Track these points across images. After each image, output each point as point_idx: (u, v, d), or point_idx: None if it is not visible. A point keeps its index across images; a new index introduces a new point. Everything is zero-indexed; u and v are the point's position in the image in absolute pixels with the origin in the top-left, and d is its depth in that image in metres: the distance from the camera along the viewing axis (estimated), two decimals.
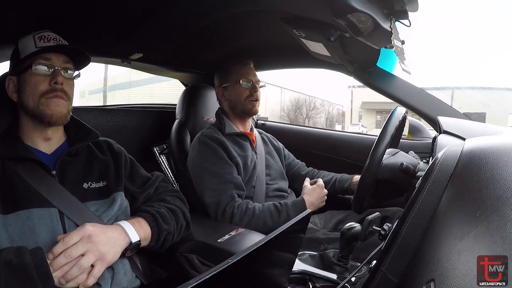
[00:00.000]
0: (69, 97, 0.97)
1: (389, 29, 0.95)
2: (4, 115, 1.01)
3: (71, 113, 0.99)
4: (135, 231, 0.88)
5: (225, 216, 1.33)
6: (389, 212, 1.30)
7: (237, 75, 1.53)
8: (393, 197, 1.31)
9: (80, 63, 1.02)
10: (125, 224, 0.88)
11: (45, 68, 0.93)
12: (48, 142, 0.98)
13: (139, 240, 0.89)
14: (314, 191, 1.43)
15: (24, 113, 0.96)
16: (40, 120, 0.93)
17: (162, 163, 1.73)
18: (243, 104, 1.52)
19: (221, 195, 1.35)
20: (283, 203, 1.37)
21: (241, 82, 1.52)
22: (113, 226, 0.87)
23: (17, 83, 0.96)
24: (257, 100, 1.53)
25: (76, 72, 1.01)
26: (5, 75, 1.00)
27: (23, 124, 0.97)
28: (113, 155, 1.07)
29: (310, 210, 0.70)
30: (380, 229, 0.72)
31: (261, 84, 1.57)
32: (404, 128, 1.41)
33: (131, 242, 0.87)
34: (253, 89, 1.52)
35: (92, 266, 0.79)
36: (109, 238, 0.83)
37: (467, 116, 1.49)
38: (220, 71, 1.61)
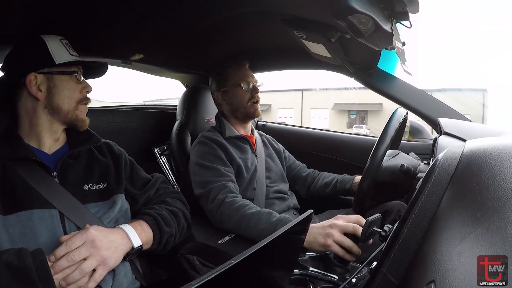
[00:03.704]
0: None
1: (390, 31, 0.95)
2: (3, 115, 1.01)
3: None
4: (137, 235, 0.89)
5: (215, 203, 1.25)
6: (388, 206, 1.30)
7: (236, 78, 1.52)
8: (394, 199, 1.31)
9: (86, 77, 1.07)
10: (128, 228, 0.89)
11: (78, 75, 0.99)
12: (55, 142, 0.99)
13: (141, 245, 0.89)
14: (320, 228, 1.04)
15: (48, 113, 0.96)
16: (69, 123, 0.98)
17: (163, 164, 1.73)
18: (246, 108, 1.51)
19: (214, 183, 1.30)
20: (281, 218, 1.15)
21: (242, 85, 1.50)
22: (115, 230, 0.87)
23: (47, 83, 0.95)
24: (258, 101, 1.53)
25: None
26: (10, 75, 0.99)
27: (35, 124, 0.96)
28: (114, 157, 1.07)
29: (312, 211, 0.70)
30: (380, 230, 0.72)
31: (258, 83, 1.55)
32: (405, 130, 1.41)
33: (133, 247, 0.87)
34: (254, 90, 1.51)
35: (94, 270, 0.80)
36: (112, 242, 0.83)
37: None
38: (215, 75, 1.58)
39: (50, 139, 0.98)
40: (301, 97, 24.46)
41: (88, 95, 1.02)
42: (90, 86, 1.02)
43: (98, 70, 1.10)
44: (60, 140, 1.00)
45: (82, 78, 1.01)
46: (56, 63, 0.95)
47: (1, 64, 1.00)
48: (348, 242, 0.96)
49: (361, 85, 1.69)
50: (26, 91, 0.94)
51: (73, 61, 0.97)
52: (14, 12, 1.06)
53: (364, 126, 21.20)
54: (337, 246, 0.97)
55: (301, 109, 24.37)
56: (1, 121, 1.00)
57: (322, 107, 24.36)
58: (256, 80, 1.55)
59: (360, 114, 23.56)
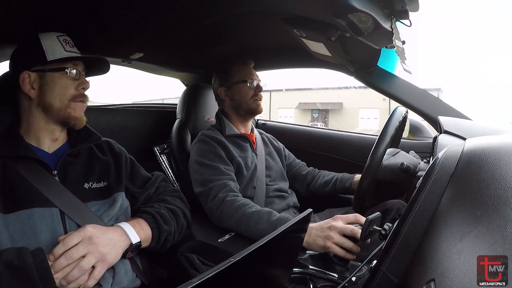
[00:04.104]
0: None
1: (390, 29, 0.95)
2: (4, 113, 1.01)
3: None
4: (135, 232, 0.89)
5: (215, 202, 1.26)
6: (388, 204, 1.30)
7: (241, 74, 1.53)
8: (393, 197, 1.31)
9: (90, 73, 1.06)
10: (126, 226, 0.89)
11: (74, 72, 0.97)
12: (54, 142, 0.99)
13: (140, 241, 0.89)
14: (319, 230, 1.03)
15: (41, 111, 0.95)
16: (62, 122, 0.96)
17: (163, 163, 1.73)
18: (249, 104, 1.52)
19: (214, 182, 1.31)
20: (281, 217, 1.14)
21: (247, 81, 1.52)
22: (113, 228, 0.87)
23: (39, 81, 0.95)
24: (261, 99, 1.54)
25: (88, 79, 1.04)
26: (7, 73, 1.00)
27: (32, 122, 0.96)
28: (114, 155, 1.07)
29: (311, 210, 0.70)
30: (380, 228, 0.72)
31: (262, 83, 1.56)
32: (405, 128, 1.41)
33: (131, 244, 0.87)
34: (258, 88, 1.53)
35: (93, 267, 0.80)
36: (110, 239, 0.83)
37: None
38: (220, 72, 1.60)
39: (47, 139, 0.97)
40: (269, 98, 25.41)
41: (86, 92, 1.00)
42: (87, 83, 0.99)
43: (100, 67, 1.08)
44: (59, 139, 1.00)
45: (78, 75, 0.98)
46: (48, 60, 0.94)
47: (2, 62, 1.01)
48: (347, 243, 0.97)
49: (322, 86, 1.70)
50: (22, 90, 0.95)
51: (67, 57, 0.96)
52: (14, 12, 1.06)
53: (319, 124, 22.18)
54: (337, 247, 0.97)
55: (269, 109, 25.41)
56: (2, 120, 1.00)
57: (288, 106, 25.52)
58: (260, 80, 1.57)
59: (322, 113, 24.35)
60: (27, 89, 0.94)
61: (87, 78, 1.04)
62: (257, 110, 1.54)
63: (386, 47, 1.11)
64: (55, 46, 0.96)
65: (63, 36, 0.99)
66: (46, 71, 0.95)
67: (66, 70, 0.95)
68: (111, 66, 1.79)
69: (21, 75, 0.94)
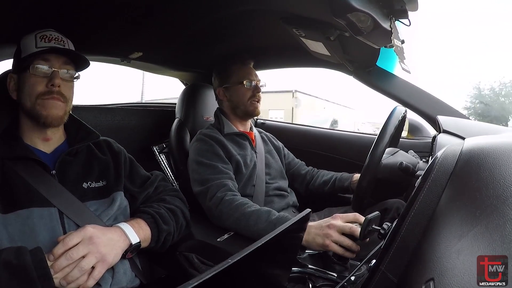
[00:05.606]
0: (66, 99, 0.96)
1: (389, 29, 0.95)
2: (4, 114, 1.01)
3: (68, 114, 0.99)
4: (134, 232, 0.89)
5: (213, 201, 1.25)
6: (387, 204, 1.30)
7: (239, 75, 1.52)
8: (392, 196, 1.31)
9: (80, 65, 1.02)
10: (125, 226, 0.89)
11: (45, 68, 0.93)
12: (48, 142, 0.98)
13: (139, 242, 0.89)
14: (318, 228, 1.02)
15: (22, 112, 0.96)
16: (36, 121, 0.94)
17: (162, 162, 1.73)
18: (246, 105, 1.51)
19: (213, 181, 1.30)
20: (280, 216, 1.13)
21: (244, 82, 1.50)
22: (113, 228, 0.87)
23: (17, 82, 0.96)
24: (259, 100, 1.53)
25: (76, 74, 1.01)
26: (7, 72, 1.00)
27: (23, 123, 0.97)
28: (113, 154, 1.07)
29: (309, 210, 0.70)
30: (379, 228, 0.72)
31: (261, 83, 1.55)
32: (404, 127, 1.41)
33: (131, 244, 0.87)
34: (256, 89, 1.52)
35: (93, 267, 0.80)
36: (110, 239, 0.83)
37: None
38: (219, 71, 1.59)
39: (38, 139, 0.97)
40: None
41: (57, 89, 0.93)
42: (56, 79, 0.92)
43: (80, 60, 1.01)
44: (53, 139, 0.99)
45: (50, 70, 0.93)
46: (21, 57, 0.95)
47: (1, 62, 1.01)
48: (347, 241, 0.97)
49: None
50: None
51: (36, 53, 0.93)
52: (14, 12, 1.06)
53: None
54: (336, 246, 0.97)
55: None
56: (1, 120, 1.00)
57: None
58: (259, 80, 1.55)
59: None
60: (10, 91, 0.97)
61: (80, 73, 1.02)
62: (254, 112, 1.53)
63: (385, 47, 1.11)
64: (28, 45, 0.95)
65: (43, 32, 0.96)
66: (20, 71, 0.95)
67: (30, 68, 0.93)
68: (111, 66, 1.82)
69: (7, 78, 0.97)
